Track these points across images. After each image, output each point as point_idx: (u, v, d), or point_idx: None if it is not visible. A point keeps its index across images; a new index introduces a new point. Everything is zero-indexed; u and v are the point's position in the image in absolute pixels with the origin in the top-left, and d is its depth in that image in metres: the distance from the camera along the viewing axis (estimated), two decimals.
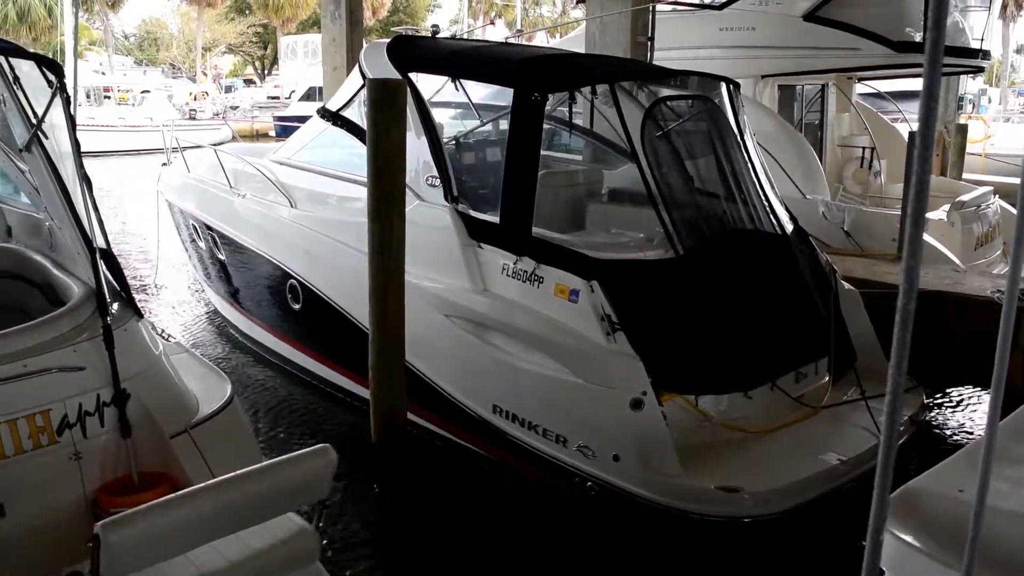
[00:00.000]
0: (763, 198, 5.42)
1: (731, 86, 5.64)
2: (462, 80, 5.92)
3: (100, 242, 3.50)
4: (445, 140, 5.70)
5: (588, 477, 4.35)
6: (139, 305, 3.59)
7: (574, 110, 5.81)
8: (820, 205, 8.00)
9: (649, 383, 4.19)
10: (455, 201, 5.16)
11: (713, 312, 4.63)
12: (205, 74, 45.62)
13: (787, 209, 5.63)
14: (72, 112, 3.58)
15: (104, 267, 3.46)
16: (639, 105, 5.53)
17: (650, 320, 4.50)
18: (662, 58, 8.61)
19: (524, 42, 15.58)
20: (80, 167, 3.51)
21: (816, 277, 5.36)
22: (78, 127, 3.66)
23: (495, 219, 4.97)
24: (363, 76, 5.82)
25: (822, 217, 7.88)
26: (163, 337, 3.87)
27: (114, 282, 3.56)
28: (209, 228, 7.40)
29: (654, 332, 4.46)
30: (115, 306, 3.44)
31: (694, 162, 5.40)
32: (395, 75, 5.56)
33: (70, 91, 3.58)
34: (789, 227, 5.46)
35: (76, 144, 3.53)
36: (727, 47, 9.42)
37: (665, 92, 5.69)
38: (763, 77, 9.46)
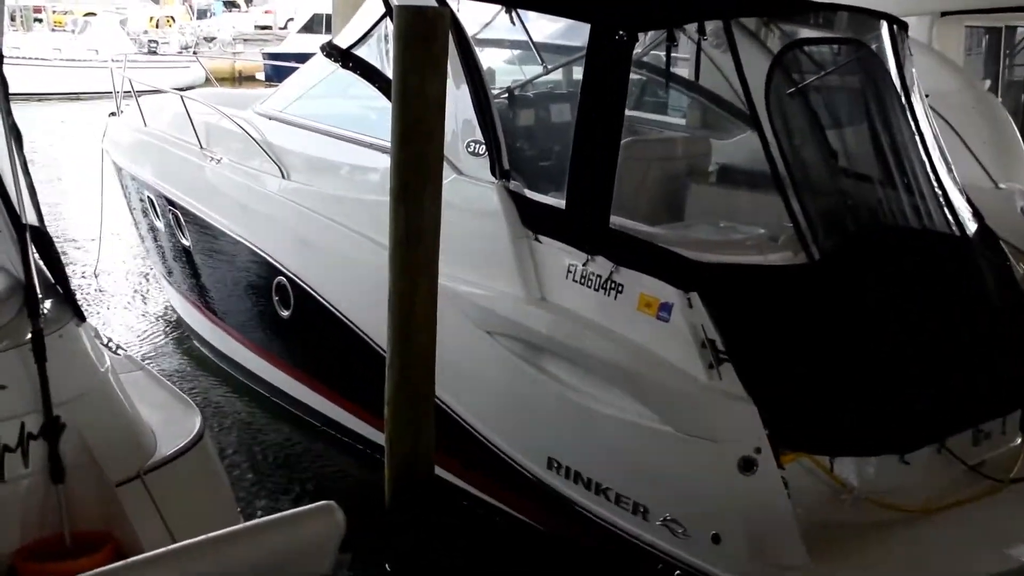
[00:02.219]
0: (935, 185, 5.38)
1: (895, 27, 5.60)
2: (520, 10, 5.97)
3: (30, 218, 3.61)
4: (495, 92, 5.77)
5: (676, 563, 4.36)
6: (79, 304, 3.70)
7: (673, 55, 5.82)
8: (1019, 198, 7.85)
9: (766, 437, 4.20)
10: (505, 176, 5.23)
11: (859, 341, 4.61)
12: None
13: (970, 201, 5.58)
14: None
15: (35, 252, 3.58)
16: (765, 51, 5.52)
17: (770, 349, 4.50)
18: None
19: None
20: (7, 114, 3.63)
21: (1007, 296, 5.31)
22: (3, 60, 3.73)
23: (559, 202, 5.02)
24: (385, 2, 5.95)
25: (1020, 214, 7.74)
26: (110, 348, 3.98)
27: (47, 272, 3.67)
28: (171, 203, 7.58)
29: (774, 366, 4.46)
30: (47, 304, 3.54)
31: (839, 132, 5.37)
32: (428, 1, 5.65)
33: None
34: (971, 226, 5.41)
35: (2, 83, 3.65)
36: None
37: (802, 34, 5.66)
38: (943, 14, 9.30)
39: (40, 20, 33.46)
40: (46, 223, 3.74)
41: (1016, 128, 8.57)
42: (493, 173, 5.24)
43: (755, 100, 4.97)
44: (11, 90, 3.78)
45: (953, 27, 9.30)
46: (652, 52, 5.96)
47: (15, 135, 3.62)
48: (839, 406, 4.49)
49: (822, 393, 4.49)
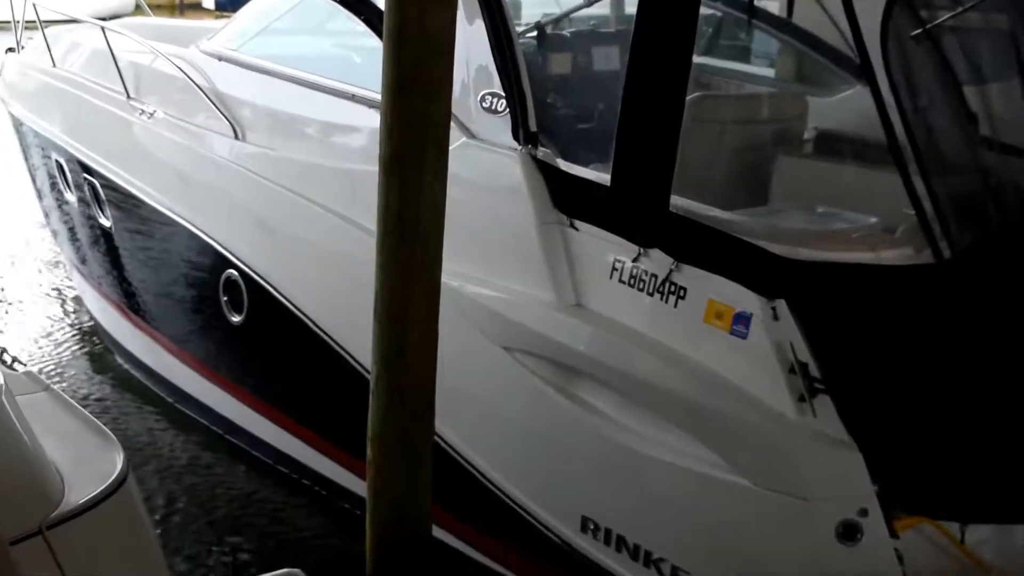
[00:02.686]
0: None
1: None
2: None
3: None
4: (520, 29, 5.82)
5: None
6: None
7: None
8: None
9: (874, 494, 4.23)
10: (531, 141, 5.27)
11: (1002, 368, 4.59)
12: None
13: None
14: None
15: None
16: None
17: (881, 377, 4.52)
18: None
19: None
20: None
21: None
22: None
23: (603, 177, 5.06)
24: None
25: None
26: (4, 362, 4.03)
27: None
28: (86, 169, 7.68)
29: (887, 400, 4.48)
30: None
31: (981, 88, 5.38)
32: None
33: None
34: None
35: None
36: None
37: None
38: None
39: None
40: None
41: None
42: (515, 137, 5.28)
43: (868, 44, 4.98)
44: None
45: None
46: None
47: None
48: (974, 456, 4.49)
49: (951, 438, 4.49)
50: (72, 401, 4.14)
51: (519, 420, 5.13)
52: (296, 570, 2.70)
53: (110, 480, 3.57)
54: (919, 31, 5.23)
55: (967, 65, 5.37)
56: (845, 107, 5.97)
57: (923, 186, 4.77)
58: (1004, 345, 4.64)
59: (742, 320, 4.52)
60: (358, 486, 5.54)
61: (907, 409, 4.50)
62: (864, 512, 4.21)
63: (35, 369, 5.97)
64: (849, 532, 4.22)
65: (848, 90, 6.03)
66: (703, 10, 5.44)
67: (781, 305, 4.47)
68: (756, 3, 6.12)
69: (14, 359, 4.39)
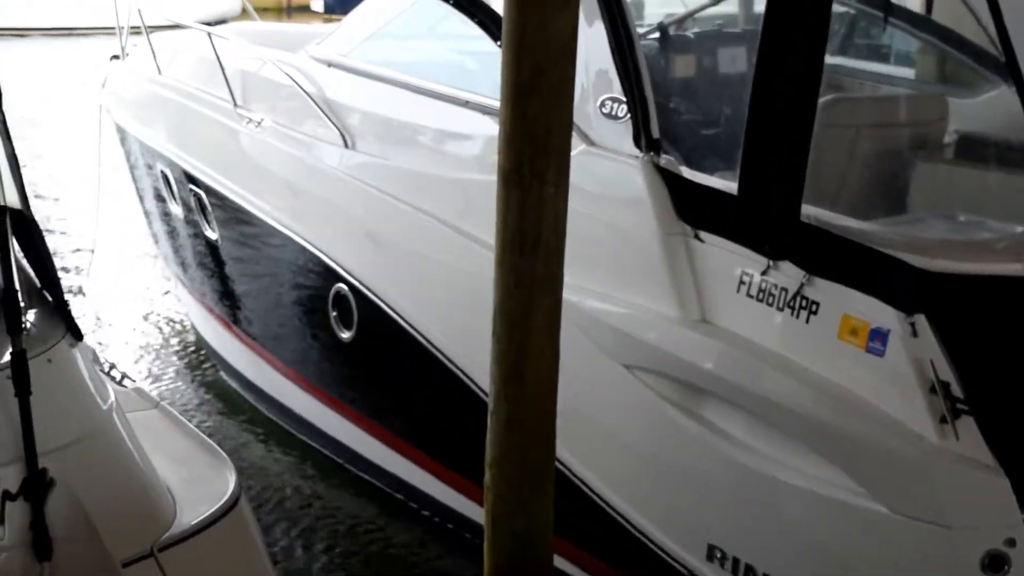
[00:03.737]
0: None
1: None
2: None
3: (11, 198, 3.76)
4: (641, 30, 5.83)
5: None
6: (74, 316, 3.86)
7: None
8: None
9: (1022, 523, 4.18)
10: (654, 148, 5.29)
11: None
12: None
13: None
14: None
15: (16, 245, 3.75)
16: None
17: None
18: None
19: None
20: None
21: None
22: None
23: (730, 186, 5.06)
24: None
25: None
26: (114, 378, 4.13)
27: (31, 273, 3.86)
28: (192, 180, 7.84)
29: None
30: (32, 315, 3.71)
31: None
32: None
33: None
34: None
35: None
36: None
37: None
38: None
39: None
40: (31, 207, 3.90)
41: None
42: (637, 144, 5.31)
43: (1014, 40, 4.94)
44: None
45: None
46: None
47: None
48: None
49: None
50: (182, 418, 4.24)
51: (641, 442, 5.16)
52: None
53: (222, 501, 3.66)
54: None
55: None
56: (989, 108, 5.91)
57: None
58: None
59: (879, 336, 4.50)
60: (474, 512, 5.60)
61: None
62: (1012, 542, 4.17)
63: (143, 384, 6.12)
64: (996, 563, 4.18)
65: (992, 91, 5.95)
66: (836, 8, 5.40)
67: (921, 320, 4.45)
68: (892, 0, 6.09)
69: (123, 375, 4.47)
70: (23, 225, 3.77)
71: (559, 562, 5.18)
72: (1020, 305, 4.66)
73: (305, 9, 31.00)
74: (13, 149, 3.82)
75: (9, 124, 3.99)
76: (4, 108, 3.95)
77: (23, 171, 3.96)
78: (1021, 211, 5.13)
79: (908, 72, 6.95)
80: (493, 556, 4.80)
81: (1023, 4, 5.01)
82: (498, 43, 5.72)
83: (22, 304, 3.63)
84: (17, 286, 3.64)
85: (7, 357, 3.50)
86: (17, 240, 3.74)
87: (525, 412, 4.66)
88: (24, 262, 3.82)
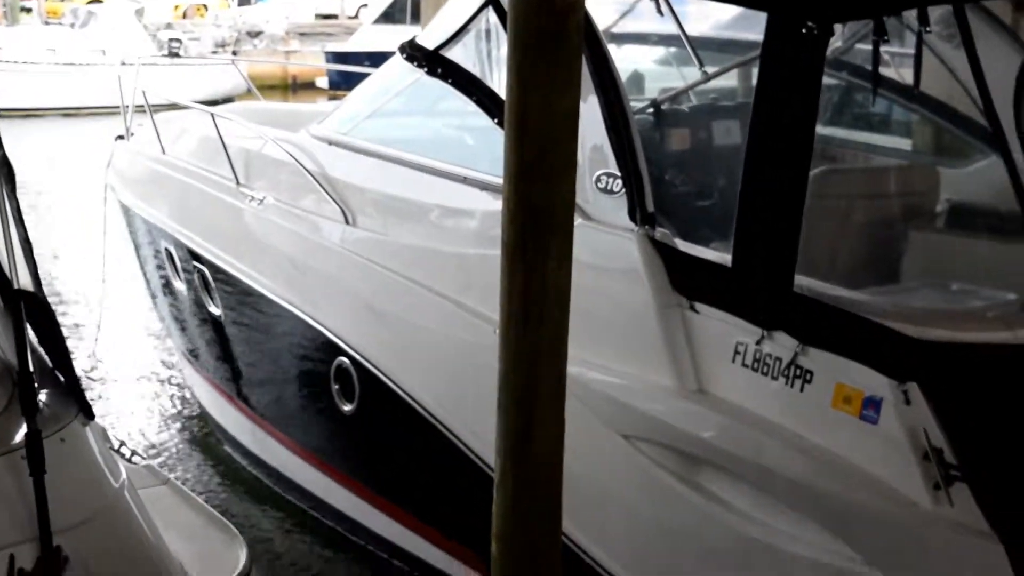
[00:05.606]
0: None
1: None
2: None
3: (24, 281, 3.81)
4: (636, 107, 5.91)
5: None
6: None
7: (884, 52, 5.89)
8: None
9: None
10: (649, 221, 5.35)
11: None
12: None
13: None
14: None
15: (29, 327, 3.78)
16: (1014, 43, 5.58)
17: (1022, 463, 4.48)
18: None
19: None
20: None
21: None
22: None
23: (724, 258, 5.13)
24: None
25: None
26: (124, 456, 4.18)
27: (43, 353, 3.89)
28: (196, 257, 7.90)
29: None
30: (44, 395, 3.74)
31: None
32: None
33: None
34: None
35: None
36: None
37: None
38: None
39: (29, 10, 34.78)
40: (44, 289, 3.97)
41: None
42: (632, 217, 5.36)
43: (1000, 113, 5.03)
44: None
45: None
46: (854, 49, 6.06)
47: (6, 173, 3.88)
48: None
49: None
50: (192, 494, 4.28)
51: (641, 512, 5.17)
52: None
53: (235, 574, 3.69)
54: None
55: None
56: (979, 178, 5.98)
57: None
58: None
59: (872, 405, 4.53)
60: None
61: None
62: None
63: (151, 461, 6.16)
64: None
65: (982, 161, 6.02)
66: (826, 80, 5.47)
67: (913, 388, 4.47)
68: (882, 71, 6.15)
69: (133, 452, 4.52)
70: (36, 307, 3.82)
71: None
72: (1011, 373, 4.70)
73: (310, 86, 31.29)
74: (27, 234, 3.87)
75: (24, 200, 4.06)
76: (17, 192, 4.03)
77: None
78: (1012, 280, 5.16)
79: (899, 143, 7.03)
80: None
81: (1009, 76, 5.11)
82: (495, 120, 5.84)
83: (36, 384, 3.67)
84: (30, 368, 3.68)
85: (21, 437, 3.55)
86: (30, 322, 3.79)
87: (532, 485, 4.63)
88: (36, 343, 3.86)
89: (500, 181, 4.55)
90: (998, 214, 5.50)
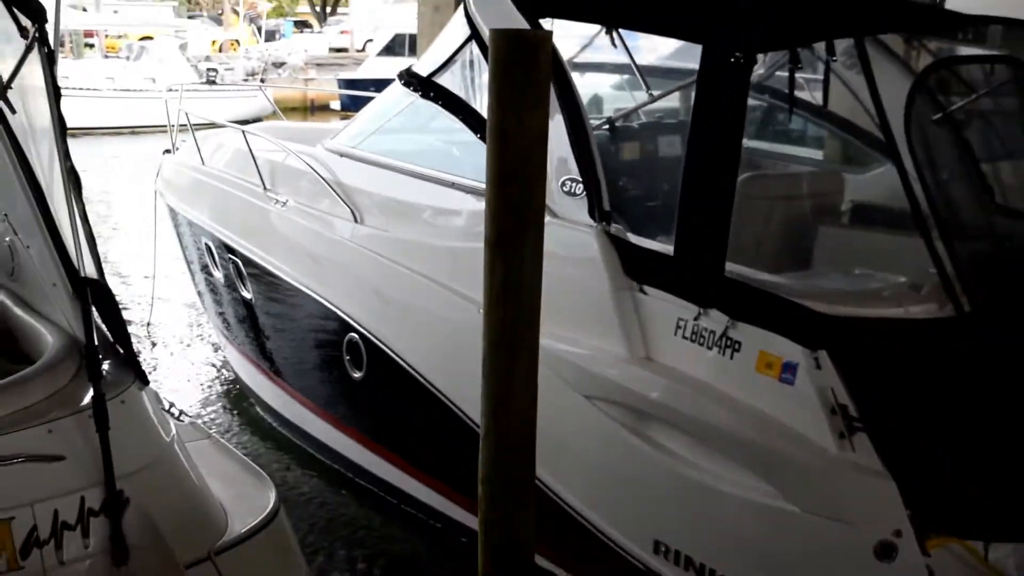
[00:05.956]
0: None
1: None
2: (623, 31, 6.16)
3: (90, 270, 3.84)
4: (593, 124, 5.92)
5: None
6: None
7: (799, 78, 5.94)
8: None
9: (907, 518, 4.25)
10: (605, 219, 5.38)
11: (1017, 408, 4.60)
12: (236, 12, 47.68)
13: None
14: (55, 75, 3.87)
15: (94, 309, 3.81)
16: (905, 71, 5.62)
17: (911, 416, 4.55)
18: None
19: None
20: (65, 157, 3.86)
21: None
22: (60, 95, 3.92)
23: (668, 248, 5.17)
24: (470, 23, 6.17)
25: None
26: (173, 415, 4.21)
27: (106, 331, 3.92)
28: (230, 250, 7.93)
29: (917, 435, 4.51)
30: (106, 365, 3.78)
31: (993, 163, 5.43)
32: (519, 22, 5.87)
33: (51, 40, 3.87)
34: None
35: (60, 122, 3.87)
36: None
37: (950, 51, 5.75)
38: None
39: (92, 46, 34.80)
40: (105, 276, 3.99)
41: None
42: (591, 215, 5.40)
43: (893, 128, 5.04)
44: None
45: None
46: (775, 75, 6.10)
47: (73, 178, 3.85)
48: (995, 483, 4.50)
49: (974, 468, 4.51)
50: (230, 446, 4.30)
51: (600, 459, 5.20)
52: None
53: (265, 513, 3.73)
54: (938, 115, 5.30)
55: (979, 143, 5.42)
56: (876, 182, 6.03)
57: (944, 249, 4.81)
58: (1018, 384, 4.64)
59: (789, 369, 4.58)
60: (467, 519, 5.70)
61: (935, 443, 4.53)
62: (899, 533, 4.24)
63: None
64: (886, 551, 4.24)
65: (878, 167, 6.06)
66: (750, 102, 5.51)
67: (823, 355, 4.52)
68: (797, 93, 6.17)
69: (181, 412, 4.55)
70: (100, 292, 3.85)
71: (539, 560, 5.23)
72: (903, 341, 4.75)
73: (325, 108, 31.29)
74: (91, 230, 3.89)
75: (89, 205, 4.08)
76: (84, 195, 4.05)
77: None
78: (902, 265, 5.20)
79: (811, 153, 7.06)
80: (485, 554, 4.79)
81: (900, 97, 5.14)
82: (478, 135, 5.88)
83: (99, 356, 3.72)
84: (96, 342, 3.73)
85: (88, 400, 3.59)
86: (94, 305, 3.82)
87: (512, 438, 4.66)
88: (100, 322, 3.89)
89: (483, 186, 4.54)
90: (891, 212, 5.53)
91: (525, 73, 4.45)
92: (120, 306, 4.06)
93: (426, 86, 6.56)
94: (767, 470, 4.58)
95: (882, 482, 4.32)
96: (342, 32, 47.54)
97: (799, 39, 5.44)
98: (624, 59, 6.63)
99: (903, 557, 4.24)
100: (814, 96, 6.50)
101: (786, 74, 5.73)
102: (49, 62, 3.83)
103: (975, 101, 5.51)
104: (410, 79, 6.74)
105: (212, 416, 8.67)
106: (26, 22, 3.72)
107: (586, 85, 6.32)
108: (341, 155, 7.18)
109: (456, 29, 6.45)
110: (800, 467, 4.50)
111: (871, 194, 6.04)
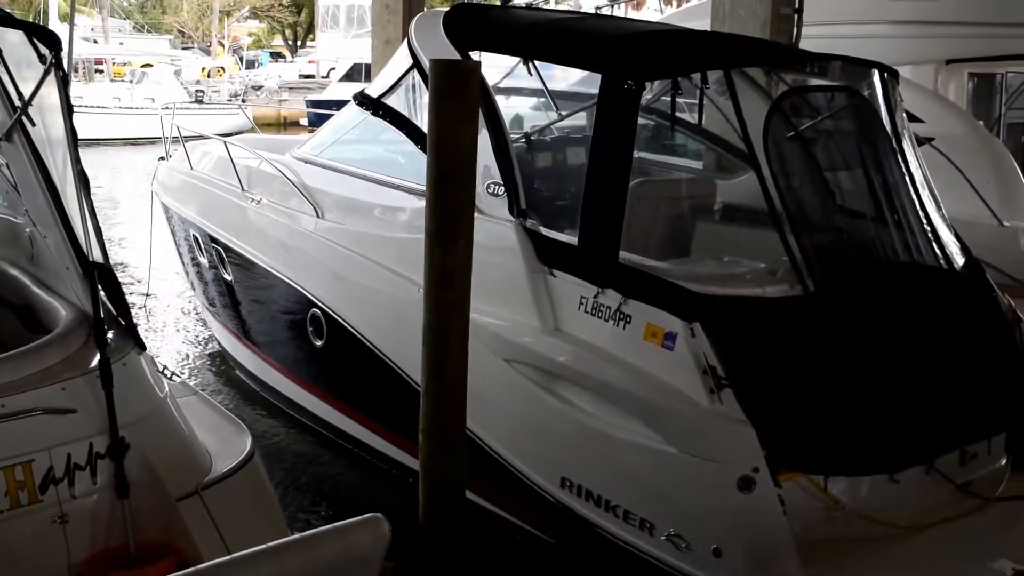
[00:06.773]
0: (924, 221, 5.46)
1: (886, 75, 5.73)
2: (537, 62, 6.17)
3: (96, 256, 3.83)
4: (513, 137, 5.93)
5: (681, 575, 4.50)
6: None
7: (679, 102, 5.99)
8: (1022, 235, 7.78)
9: (763, 457, 4.31)
10: (522, 215, 5.39)
11: (851, 368, 4.71)
12: (222, 44, 47.29)
13: (958, 237, 5.65)
14: (69, 95, 3.87)
15: (100, 288, 3.78)
16: (764, 97, 5.70)
17: (767, 376, 4.62)
18: (813, 36, 8.65)
19: (622, 14, 15.88)
20: (76, 162, 3.85)
21: (994, 327, 5.36)
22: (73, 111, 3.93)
23: (572, 239, 5.19)
24: (413, 55, 6.16)
25: None
26: (166, 376, 4.18)
27: (110, 306, 3.88)
28: (213, 240, 7.83)
29: (772, 391, 4.59)
30: (110, 335, 3.76)
31: (834, 172, 5.54)
32: (453, 54, 5.87)
33: (65, 66, 3.88)
34: (959, 260, 5.48)
35: (72, 134, 3.87)
36: (900, 22, 9.29)
37: (801, 82, 5.85)
38: (948, 63, 9.31)
39: (101, 71, 34.51)
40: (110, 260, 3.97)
41: (1018, 168, 8.58)
42: (511, 212, 5.40)
43: (754, 143, 5.10)
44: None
45: (957, 74, 9.39)
46: (661, 99, 6.13)
47: (83, 180, 3.85)
48: (833, 429, 4.59)
49: (817, 417, 4.59)
50: (214, 401, 4.29)
51: (519, 412, 5.22)
52: (378, 514, 2.78)
53: (243, 455, 3.74)
54: (790, 133, 5.40)
55: (822, 156, 5.54)
56: (741, 187, 6.09)
57: (793, 241, 4.91)
58: (851, 350, 4.75)
59: (670, 337, 4.63)
60: (406, 459, 5.71)
61: (786, 397, 4.61)
62: (756, 469, 4.30)
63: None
64: (746, 484, 4.31)
65: (743, 175, 6.11)
66: (640, 120, 5.55)
67: (697, 326, 4.58)
68: (677, 115, 6.17)
69: (173, 373, 4.55)
70: (105, 273, 3.85)
71: (470, 495, 5.25)
72: (761, 315, 4.84)
73: (296, 124, 31.02)
74: (97, 222, 3.87)
75: (97, 202, 4.07)
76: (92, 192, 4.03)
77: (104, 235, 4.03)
78: (761, 254, 5.25)
79: (690, 163, 7.13)
80: (425, 490, 4.82)
81: (760, 118, 5.20)
82: (419, 147, 5.86)
83: (105, 327, 3.72)
84: (102, 315, 3.73)
85: (95, 363, 3.60)
86: (101, 285, 3.81)
87: (445, 396, 4.70)
88: (105, 299, 3.87)
89: (423, 187, 4.60)
90: (752, 211, 5.60)
91: (458, 96, 4.53)
92: (122, 285, 4.03)
93: (376, 106, 6.55)
94: (652, 420, 4.62)
95: (743, 428, 4.39)
96: (310, 61, 47.20)
97: (680, 70, 5.49)
98: (538, 85, 6.64)
99: (760, 489, 4.30)
100: (692, 116, 6.56)
101: (669, 99, 5.76)
102: (63, 84, 3.85)
103: (820, 122, 5.60)
104: (363, 100, 6.73)
105: (199, 377, 8.58)
106: (44, 50, 3.76)
107: (508, 106, 6.32)
108: (306, 162, 7.12)
109: (401, 59, 6.44)
110: (678, 417, 4.54)
111: (737, 196, 6.11)
